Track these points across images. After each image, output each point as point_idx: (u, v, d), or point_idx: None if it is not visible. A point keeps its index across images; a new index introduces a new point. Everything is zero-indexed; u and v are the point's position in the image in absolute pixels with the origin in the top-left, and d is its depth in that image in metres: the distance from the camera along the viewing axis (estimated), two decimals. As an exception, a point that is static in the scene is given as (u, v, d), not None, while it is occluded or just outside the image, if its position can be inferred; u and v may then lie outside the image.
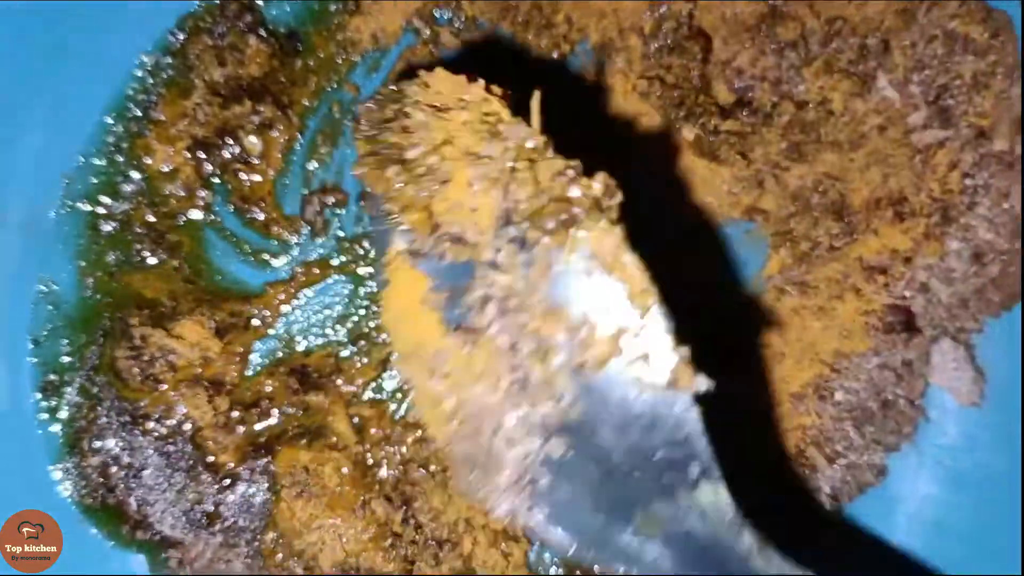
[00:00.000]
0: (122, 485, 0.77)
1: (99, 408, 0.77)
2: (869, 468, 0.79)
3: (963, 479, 0.79)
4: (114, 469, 0.77)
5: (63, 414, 0.77)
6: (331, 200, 0.81)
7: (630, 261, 0.55)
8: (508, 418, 0.58)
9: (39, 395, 0.77)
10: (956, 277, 0.78)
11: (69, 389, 0.77)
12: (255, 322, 0.79)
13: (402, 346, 0.64)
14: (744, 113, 0.80)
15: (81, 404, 0.78)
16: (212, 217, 0.80)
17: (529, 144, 0.58)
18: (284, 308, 0.80)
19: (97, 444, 0.77)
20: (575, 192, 0.56)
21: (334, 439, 0.77)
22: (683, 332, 0.55)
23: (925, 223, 0.77)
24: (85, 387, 0.78)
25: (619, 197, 0.56)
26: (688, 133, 0.80)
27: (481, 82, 0.61)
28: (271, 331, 0.80)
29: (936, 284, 0.78)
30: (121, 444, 0.77)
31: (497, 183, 0.58)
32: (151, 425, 0.77)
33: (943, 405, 0.80)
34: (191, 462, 0.77)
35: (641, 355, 0.55)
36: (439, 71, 0.63)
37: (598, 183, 0.56)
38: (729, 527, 0.56)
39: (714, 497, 0.56)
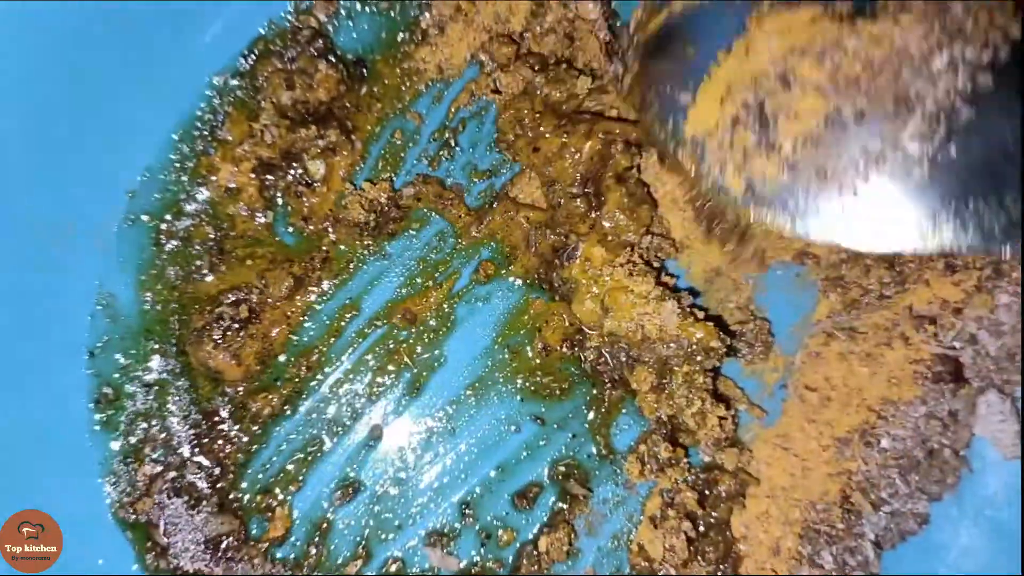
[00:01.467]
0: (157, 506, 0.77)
1: (165, 422, 0.78)
2: (912, 516, 0.79)
3: (1003, 531, 0.79)
4: (159, 484, 0.77)
5: (120, 425, 0.78)
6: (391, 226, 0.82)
7: None
8: None
9: (92, 407, 0.78)
10: (1005, 330, 0.78)
11: (128, 401, 0.78)
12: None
13: None
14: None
15: (146, 414, 0.78)
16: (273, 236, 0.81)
17: None
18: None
19: (155, 455, 0.78)
20: None
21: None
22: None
23: (977, 275, 0.78)
24: (153, 398, 0.78)
25: None
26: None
27: None
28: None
29: (985, 336, 0.79)
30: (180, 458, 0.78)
31: None
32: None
33: (986, 457, 0.80)
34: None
35: None
36: None
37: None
38: None
39: None
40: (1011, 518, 0.79)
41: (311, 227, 0.81)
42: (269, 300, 0.79)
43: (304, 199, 0.81)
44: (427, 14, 0.82)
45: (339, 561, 0.79)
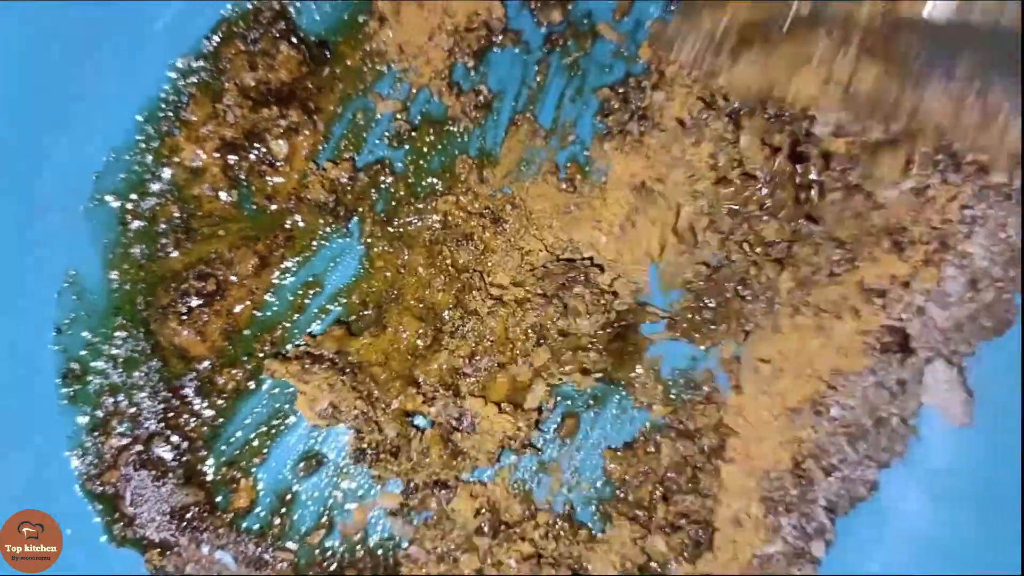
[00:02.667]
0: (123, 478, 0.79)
1: (133, 397, 0.80)
2: (862, 483, 0.82)
3: (950, 497, 0.81)
4: (126, 456, 0.79)
5: (88, 398, 0.80)
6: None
7: None
8: None
9: (59, 382, 0.79)
10: (952, 302, 0.80)
11: (96, 376, 0.80)
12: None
13: None
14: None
15: (113, 389, 0.80)
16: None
17: None
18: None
19: (122, 428, 0.79)
20: None
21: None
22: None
23: (924, 250, 0.80)
24: (122, 372, 0.80)
25: None
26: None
27: None
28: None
29: (932, 308, 0.81)
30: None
31: None
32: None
33: (934, 425, 0.82)
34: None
35: None
36: None
37: None
38: None
39: None
40: (957, 485, 0.82)
41: (275, 206, 0.82)
42: (234, 278, 0.81)
43: (268, 178, 0.82)
44: (384, -3, 0.83)
45: (303, 530, 0.81)
